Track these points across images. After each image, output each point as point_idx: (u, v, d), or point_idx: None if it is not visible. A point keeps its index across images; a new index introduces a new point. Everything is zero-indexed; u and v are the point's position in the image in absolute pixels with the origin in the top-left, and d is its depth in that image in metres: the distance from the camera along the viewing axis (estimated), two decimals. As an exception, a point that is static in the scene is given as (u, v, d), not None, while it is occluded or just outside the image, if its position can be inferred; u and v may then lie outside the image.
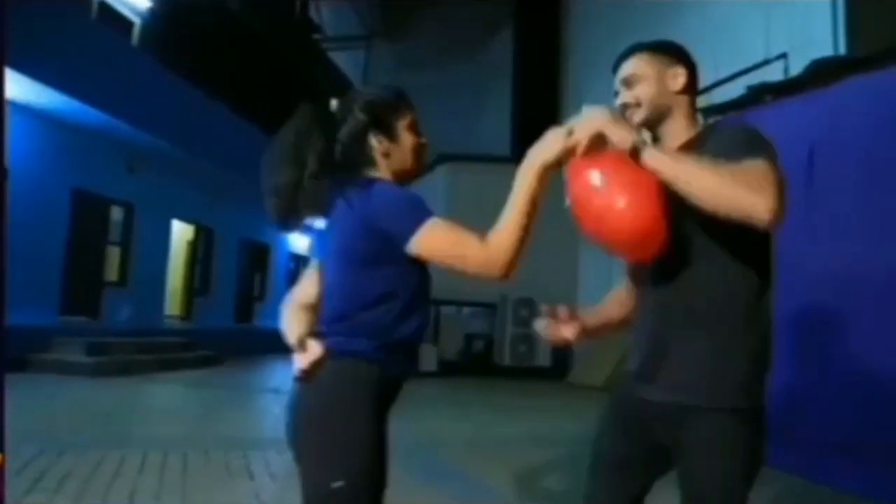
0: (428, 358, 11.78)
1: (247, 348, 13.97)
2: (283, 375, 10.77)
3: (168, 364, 9.46)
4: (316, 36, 17.01)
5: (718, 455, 1.38)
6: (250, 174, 9.38)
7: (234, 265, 15.17)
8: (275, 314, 8.64)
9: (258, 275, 16.36)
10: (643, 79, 1.57)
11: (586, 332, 1.70)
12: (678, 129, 1.57)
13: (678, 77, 1.57)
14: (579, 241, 13.25)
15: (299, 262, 17.32)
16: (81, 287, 9.91)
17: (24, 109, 8.84)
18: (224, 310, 14.52)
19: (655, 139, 1.59)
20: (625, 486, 1.55)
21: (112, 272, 10.92)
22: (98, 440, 4.72)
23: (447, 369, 11.82)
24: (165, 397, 7.98)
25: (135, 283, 11.31)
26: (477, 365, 12.19)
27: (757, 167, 1.31)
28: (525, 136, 15.54)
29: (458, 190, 13.27)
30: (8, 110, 8.11)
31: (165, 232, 12.44)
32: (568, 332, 1.65)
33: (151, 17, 11.40)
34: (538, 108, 14.52)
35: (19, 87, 8.23)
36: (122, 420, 5.87)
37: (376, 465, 1.44)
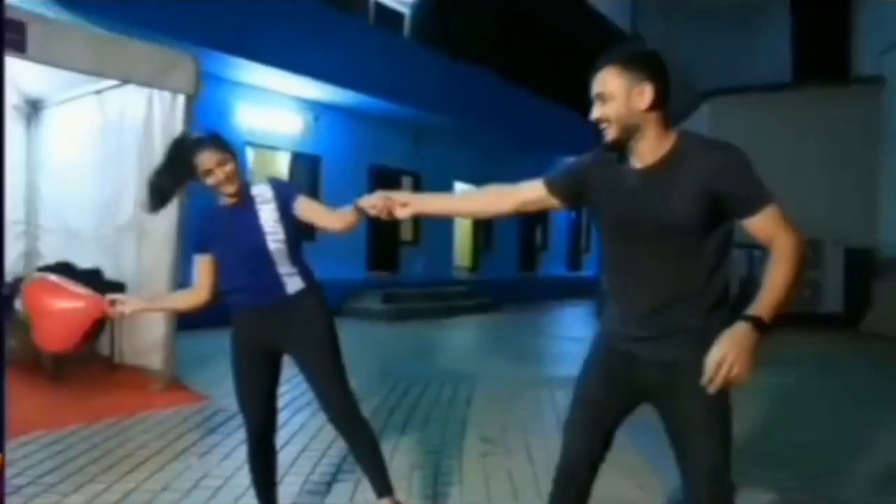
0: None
1: (527, 295, 15.21)
2: (556, 319, 11.66)
3: (451, 310, 11.03)
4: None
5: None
6: (523, 133, 10.70)
7: (516, 220, 16.41)
8: (557, 263, 10.05)
9: (540, 227, 17.40)
10: (610, 97, 1.70)
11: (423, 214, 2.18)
12: (650, 145, 1.70)
13: (644, 94, 1.65)
14: (879, 182, 11.68)
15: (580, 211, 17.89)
16: (382, 247, 11.93)
17: (329, 107, 10.90)
18: (508, 261, 15.88)
19: (627, 154, 1.76)
20: (601, 422, 1.90)
21: (407, 233, 12.86)
22: (412, 374, 5.96)
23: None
24: (451, 337, 9.36)
25: (426, 242, 13.15)
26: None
27: (774, 222, 1.61)
28: (810, 60, 13.97)
29: (725, 127, 12.53)
30: (309, 109, 10.16)
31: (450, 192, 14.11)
32: (400, 211, 2.03)
33: (418, 5, 12.79)
34: (823, 27, 12.88)
35: (324, 91, 10.21)
36: (426, 358, 7.21)
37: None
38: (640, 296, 1.77)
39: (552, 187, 1.96)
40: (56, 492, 2.96)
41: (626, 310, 1.82)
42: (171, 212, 4.93)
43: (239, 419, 4.20)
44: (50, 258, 6.12)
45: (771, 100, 12.80)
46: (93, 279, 5.44)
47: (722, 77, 14.21)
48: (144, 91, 4.97)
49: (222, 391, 4.83)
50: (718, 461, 1.74)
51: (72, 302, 2.20)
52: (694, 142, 1.72)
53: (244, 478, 3.21)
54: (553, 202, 1.97)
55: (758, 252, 12.11)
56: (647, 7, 18.66)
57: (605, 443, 1.93)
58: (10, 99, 6.24)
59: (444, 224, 13.57)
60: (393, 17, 12.55)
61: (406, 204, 2.03)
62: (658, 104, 1.67)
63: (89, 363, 5.40)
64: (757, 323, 1.55)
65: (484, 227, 15.47)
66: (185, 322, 6.98)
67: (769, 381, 6.56)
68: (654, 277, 1.74)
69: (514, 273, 16.04)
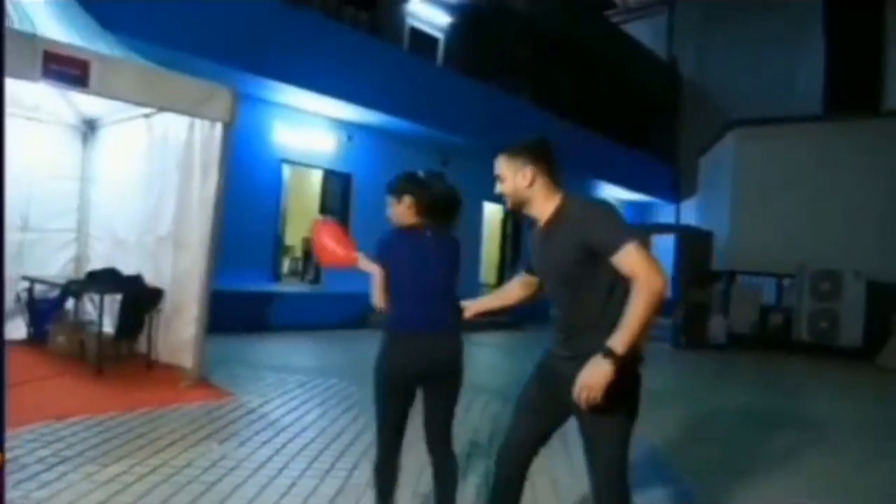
0: (716, 331, 11.81)
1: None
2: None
3: (476, 326, 11.41)
4: (610, 12, 17.43)
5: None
6: (557, 158, 10.89)
7: (543, 239, 16.74)
8: None
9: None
10: (503, 179, 2.22)
11: (482, 314, 2.54)
12: (539, 209, 2.17)
13: (526, 177, 2.16)
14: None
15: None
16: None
17: (362, 127, 11.47)
18: (532, 280, 16.23)
19: (524, 214, 2.26)
20: (536, 425, 2.30)
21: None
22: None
23: (738, 342, 11.67)
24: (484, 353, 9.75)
25: (452, 259, 13.58)
26: (772, 340, 11.73)
27: (632, 261, 1.93)
28: (843, 91, 14.09)
29: (748, 157, 12.73)
30: (342, 129, 10.73)
31: (478, 213, 14.54)
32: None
33: (452, 31, 13.33)
34: (856, 59, 13.01)
35: (357, 113, 10.79)
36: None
37: None
38: (560, 323, 2.21)
39: (528, 271, 2.48)
40: (97, 463, 3.47)
41: (554, 333, 2.26)
42: (204, 224, 5.52)
43: (256, 413, 4.72)
44: (97, 264, 6.73)
45: (799, 131, 12.99)
46: (135, 284, 6.04)
47: (754, 105, 14.45)
48: (186, 117, 5.55)
49: (243, 390, 5.36)
50: (613, 466, 2.13)
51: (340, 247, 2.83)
52: (573, 202, 2.15)
53: (256, 461, 3.71)
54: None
55: (787, 281, 12.28)
56: (683, 33, 18.95)
57: (541, 439, 2.33)
58: (69, 119, 6.94)
59: (469, 241, 14.02)
60: (427, 41, 13.12)
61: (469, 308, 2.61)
62: (538, 179, 2.16)
63: (129, 360, 5.96)
64: (610, 355, 1.92)
65: (512, 243, 15.87)
66: (214, 326, 7.61)
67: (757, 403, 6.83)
68: (565, 310, 2.18)
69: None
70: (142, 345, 6.02)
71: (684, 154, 18.18)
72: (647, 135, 18.29)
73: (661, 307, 1.98)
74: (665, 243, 12.90)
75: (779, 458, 4.69)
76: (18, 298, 6.64)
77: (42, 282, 6.48)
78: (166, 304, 5.93)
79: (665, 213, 18.91)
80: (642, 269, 1.94)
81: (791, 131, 12.63)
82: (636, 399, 2.17)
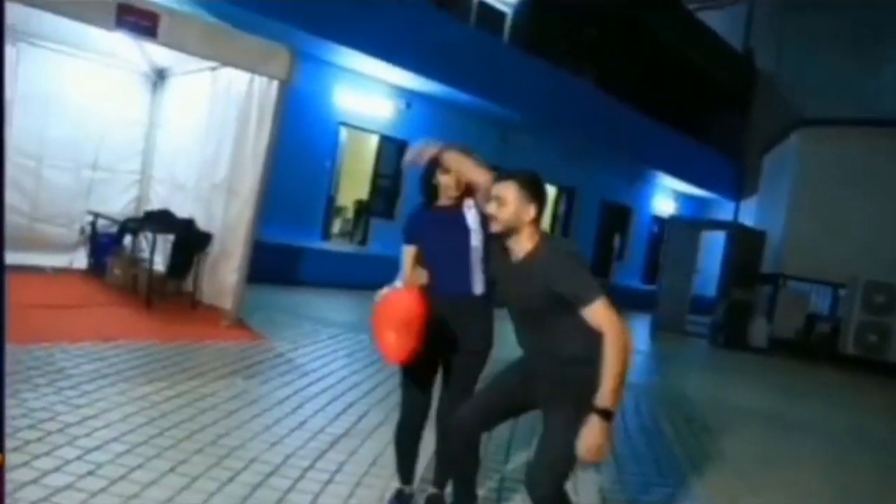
0: (758, 333, 11.63)
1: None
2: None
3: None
4: (687, -1, 16.96)
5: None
6: (614, 142, 11.08)
7: (595, 224, 16.69)
8: (633, 274, 10.60)
9: (619, 234, 17.57)
10: (507, 203, 2.22)
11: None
12: (523, 242, 2.24)
13: (530, 212, 2.22)
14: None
15: (663, 224, 17.86)
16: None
17: (421, 96, 11.64)
18: (580, 264, 16.18)
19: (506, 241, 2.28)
20: (502, 404, 2.44)
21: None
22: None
23: (779, 348, 11.46)
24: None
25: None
26: (817, 349, 11.47)
27: (598, 317, 2.08)
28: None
29: (811, 159, 12.33)
30: (401, 96, 10.93)
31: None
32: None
33: (520, 6, 13.28)
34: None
35: (417, 81, 10.96)
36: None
37: None
38: (527, 342, 2.39)
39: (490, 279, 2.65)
40: (132, 382, 3.83)
41: (526, 346, 2.44)
42: (256, 174, 5.82)
43: (284, 357, 5.04)
44: (157, 205, 7.17)
45: (871, 135, 12.52)
46: (187, 227, 6.42)
47: (828, 106, 13.93)
48: (247, 72, 5.84)
49: (277, 336, 5.68)
50: (558, 467, 2.23)
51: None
52: (549, 248, 2.25)
53: (275, 399, 4.00)
54: None
55: (843, 291, 11.94)
56: (762, 25, 18.29)
57: (498, 418, 2.49)
58: (142, 67, 7.34)
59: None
60: (495, 15, 13.12)
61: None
62: (536, 219, 2.25)
63: (176, 297, 6.37)
64: (602, 413, 2.07)
65: (562, 223, 15.88)
66: (260, 275, 7.99)
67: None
68: (529, 332, 2.35)
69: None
70: (189, 285, 6.44)
71: (751, 151, 17.66)
72: (713, 128, 17.86)
73: (630, 358, 2.13)
74: (715, 240, 12.71)
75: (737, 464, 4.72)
76: (83, 231, 7.14)
77: (104, 217, 6.94)
78: (214, 248, 6.30)
79: (724, 210, 18.50)
80: (610, 326, 2.09)
81: (861, 135, 12.17)
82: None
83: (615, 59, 15.19)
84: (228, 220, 6.20)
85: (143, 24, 4.75)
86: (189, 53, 5.36)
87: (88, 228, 7.11)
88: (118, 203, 7.49)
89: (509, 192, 2.23)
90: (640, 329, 12.05)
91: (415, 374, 2.69)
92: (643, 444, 4.43)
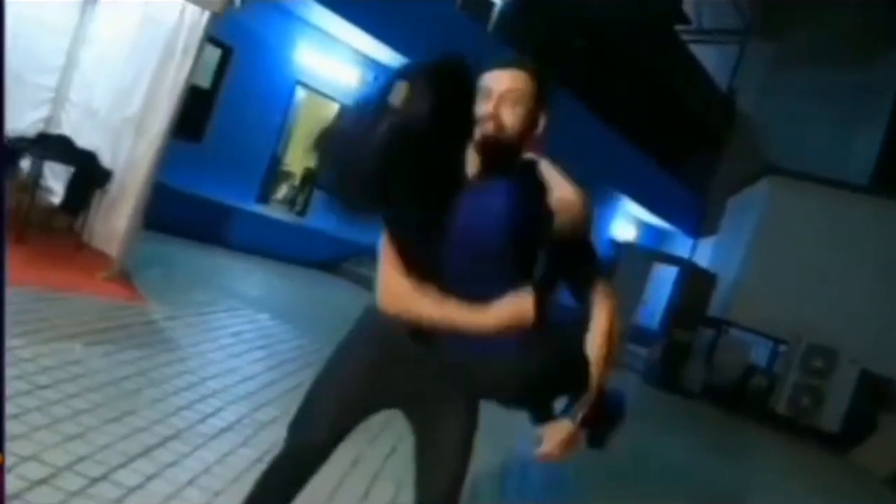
0: (693, 377, 11.30)
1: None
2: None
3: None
4: (681, 27, 16.60)
5: None
6: (585, 160, 10.36)
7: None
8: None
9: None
10: (518, 103, 1.59)
11: None
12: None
13: (541, 124, 1.63)
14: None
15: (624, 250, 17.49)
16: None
17: (362, 59, 10.95)
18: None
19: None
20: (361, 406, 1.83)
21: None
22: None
23: (713, 395, 11.14)
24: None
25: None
26: (748, 402, 11.19)
27: None
28: (892, 169, 13.33)
29: (776, 208, 12.08)
30: (368, 66, 10.22)
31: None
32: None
33: (510, 4, 12.69)
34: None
35: (388, 54, 10.26)
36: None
37: None
38: None
39: None
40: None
41: None
42: (169, 110, 5.10)
43: (152, 325, 4.34)
44: (68, 129, 6.35)
45: (840, 196, 12.34)
46: (87, 159, 5.65)
47: (800, 159, 13.73)
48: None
49: (160, 299, 4.96)
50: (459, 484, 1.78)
51: None
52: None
53: (109, 376, 3.30)
54: None
55: (782, 347, 11.69)
56: (750, 68, 18.05)
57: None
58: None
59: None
60: (483, 4, 12.50)
61: None
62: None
63: (63, 235, 5.60)
64: None
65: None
66: (178, 229, 7.17)
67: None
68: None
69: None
70: (79, 224, 5.68)
71: (717, 191, 17.46)
72: (683, 161, 17.57)
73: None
74: (665, 275, 12.36)
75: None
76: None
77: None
78: (113, 188, 5.55)
79: (681, 245, 18.26)
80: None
81: (829, 194, 11.96)
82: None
83: (599, 71, 14.73)
84: (134, 158, 5.45)
85: None
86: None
87: (-19, 143, 6.26)
88: (24, 120, 6.63)
89: (521, 84, 1.64)
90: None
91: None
92: None
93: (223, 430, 3.15)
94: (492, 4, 12.64)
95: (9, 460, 2.22)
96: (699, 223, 17.97)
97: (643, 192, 16.12)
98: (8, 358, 2.95)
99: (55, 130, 6.53)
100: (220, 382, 3.75)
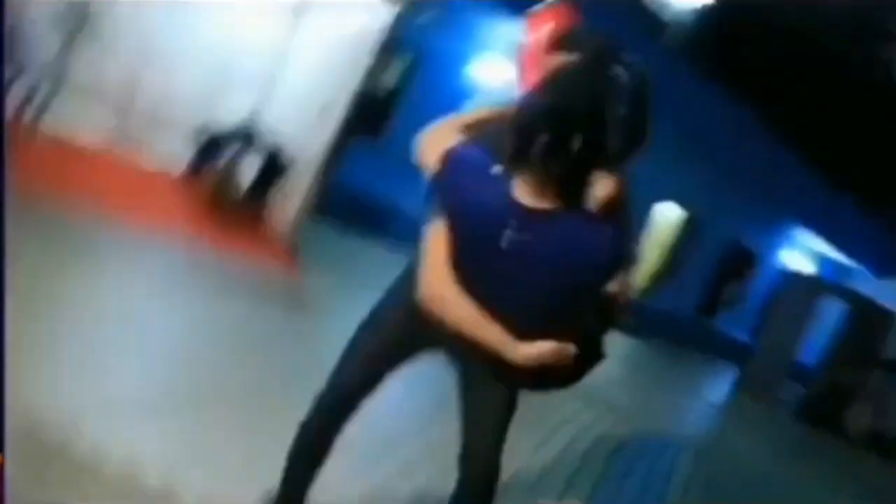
0: (859, 419, 10.38)
1: (698, 344, 14.38)
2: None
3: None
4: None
5: None
6: (759, 178, 9.94)
7: (713, 264, 15.60)
8: (743, 326, 9.63)
9: (735, 280, 16.35)
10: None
11: None
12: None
13: None
14: None
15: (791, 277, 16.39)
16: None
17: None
18: (686, 297, 15.19)
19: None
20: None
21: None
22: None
23: (881, 445, 10.12)
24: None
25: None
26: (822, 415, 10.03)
27: None
28: None
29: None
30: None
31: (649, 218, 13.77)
32: None
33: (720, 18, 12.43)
34: None
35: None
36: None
37: None
38: None
39: None
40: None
41: None
42: (347, 108, 5.75)
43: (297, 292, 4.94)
44: (270, 119, 7.22)
45: None
46: (274, 155, 6.53)
47: None
48: None
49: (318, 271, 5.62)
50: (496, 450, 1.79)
51: None
52: None
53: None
54: None
55: None
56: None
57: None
58: None
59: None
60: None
61: None
62: None
63: (248, 212, 6.51)
64: None
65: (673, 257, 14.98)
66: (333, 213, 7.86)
67: None
68: None
69: (689, 314, 15.39)
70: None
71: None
72: (877, 194, 16.07)
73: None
74: (835, 310, 11.44)
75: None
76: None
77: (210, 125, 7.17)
78: (293, 176, 6.38)
79: (862, 283, 16.69)
80: None
81: None
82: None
83: (791, 92, 13.95)
84: (315, 149, 6.20)
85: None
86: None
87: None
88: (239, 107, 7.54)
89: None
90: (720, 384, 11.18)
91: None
92: None
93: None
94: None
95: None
96: (885, 260, 16.35)
97: (824, 223, 15.06)
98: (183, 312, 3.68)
99: (259, 119, 7.49)
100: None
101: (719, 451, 6.05)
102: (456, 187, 1.52)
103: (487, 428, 1.72)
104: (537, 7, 1.63)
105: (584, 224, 1.48)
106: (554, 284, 1.46)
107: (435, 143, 1.61)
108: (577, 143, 1.36)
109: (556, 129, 1.37)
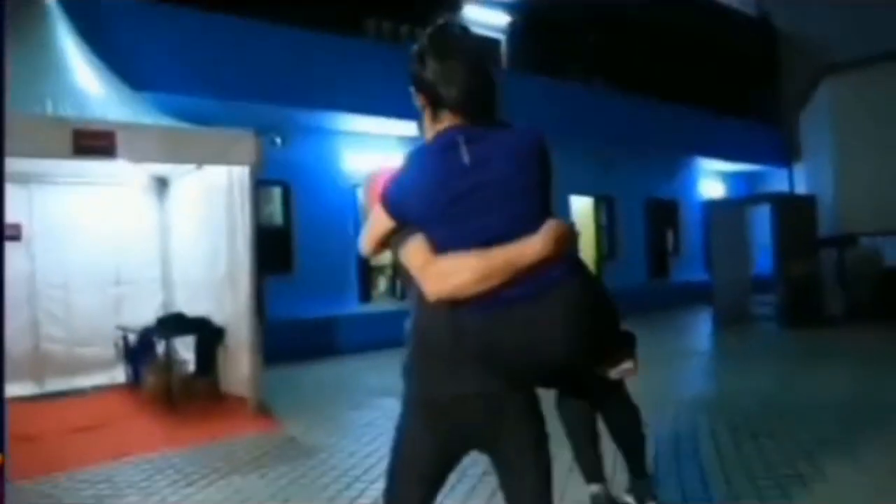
0: (832, 302, 10.84)
1: (657, 303, 14.72)
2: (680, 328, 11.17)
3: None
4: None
5: None
6: (642, 138, 10.86)
7: (642, 225, 16.13)
8: (693, 267, 10.20)
9: (671, 230, 16.91)
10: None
11: None
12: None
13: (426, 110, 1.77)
14: None
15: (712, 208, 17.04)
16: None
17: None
18: (635, 269, 15.61)
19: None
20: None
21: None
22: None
23: (856, 316, 10.56)
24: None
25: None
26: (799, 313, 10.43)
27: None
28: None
29: (845, 106, 11.53)
30: (410, 145, 10.96)
31: (565, 207, 14.23)
32: None
33: (513, 30, 13.20)
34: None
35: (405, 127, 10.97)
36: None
37: None
38: None
39: None
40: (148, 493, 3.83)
41: None
42: (249, 257, 5.83)
43: (292, 444, 4.96)
44: (183, 307, 7.32)
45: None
46: (202, 325, 6.53)
47: (857, 47, 13.05)
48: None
49: (296, 419, 5.61)
50: None
51: None
52: None
53: (263, 493, 3.89)
54: None
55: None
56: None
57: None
58: (142, 179, 7.59)
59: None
60: (489, 45, 13.09)
61: None
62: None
63: (204, 394, 6.43)
64: None
65: (606, 233, 15.45)
66: (299, 353, 7.96)
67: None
68: None
69: (643, 280, 15.77)
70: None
71: (790, 114, 16.81)
72: (745, 100, 17.12)
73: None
74: (763, 214, 12.00)
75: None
76: (116, 346, 7.36)
77: (128, 330, 7.12)
78: (230, 340, 6.37)
79: (778, 180, 17.56)
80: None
81: (893, 69, 11.32)
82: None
83: (625, 55, 14.87)
84: (237, 309, 6.25)
85: (101, 145, 4.90)
86: (153, 162, 5.52)
87: (121, 343, 7.32)
88: (147, 312, 7.64)
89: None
90: (703, 325, 11.47)
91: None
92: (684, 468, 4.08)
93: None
94: (497, 42, 13.18)
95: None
96: (783, 153, 17.31)
97: (715, 145, 15.84)
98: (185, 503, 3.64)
99: (172, 310, 7.55)
100: (360, 468, 4.28)
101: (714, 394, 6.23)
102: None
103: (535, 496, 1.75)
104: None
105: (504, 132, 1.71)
106: (508, 186, 1.62)
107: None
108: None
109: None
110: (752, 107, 17.08)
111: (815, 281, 10.71)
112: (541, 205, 1.66)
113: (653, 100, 14.56)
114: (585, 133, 13.07)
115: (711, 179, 17.88)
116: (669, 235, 16.85)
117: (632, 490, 3.15)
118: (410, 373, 1.78)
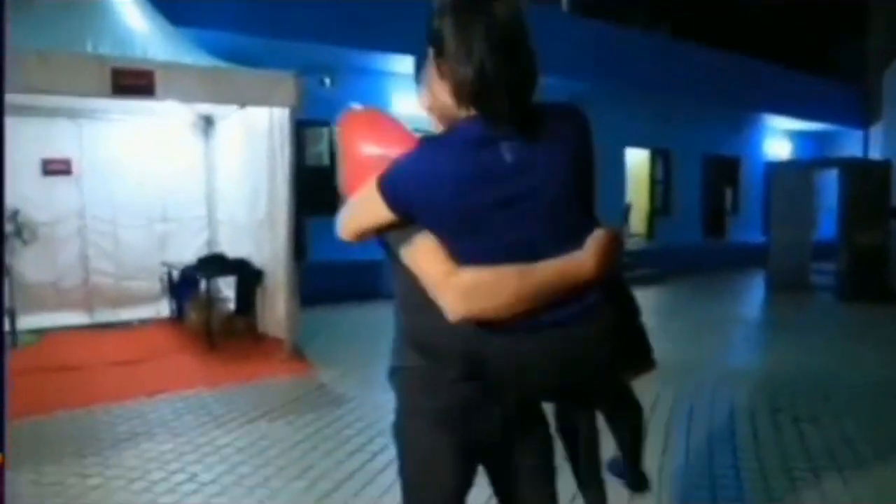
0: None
1: (713, 264, 14.25)
2: (733, 292, 10.87)
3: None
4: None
5: None
6: (705, 91, 10.43)
7: (699, 182, 15.53)
8: (751, 227, 9.97)
9: (730, 188, 16.25)
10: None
11: None
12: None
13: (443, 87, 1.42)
14: None
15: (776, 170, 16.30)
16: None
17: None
18: (689, 227, 15.13)
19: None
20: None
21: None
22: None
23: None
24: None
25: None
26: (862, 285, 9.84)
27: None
28: None
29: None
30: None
31: (620, 160, 13.78)
32: None
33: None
34: None
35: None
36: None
37: None
38: None
39: None
40: (156, 440, 3.92)
41: None
42: (287, 200, 5.78)
43: (321, 392, 4.98)
44: (225, 247, 7.41)
45: None
46: (240, 266, 6.58)
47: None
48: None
49: (330, 363, 5.65)
50: None
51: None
52: None
53: (287, 442, 3.91)
54: None
55: None
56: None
57: None
58: (188, 117, 7.59)
59: (611, 186, 13.30)
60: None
61: None
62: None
63: (246, 333, 6.54)
64: None
65: (661, 187, 14.96)
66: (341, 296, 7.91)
67: None
68: None
69: (698, 239, 15.28)
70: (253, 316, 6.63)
71: (873, 72, 15.70)
72: (823, 54, 16.07)
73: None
74: (831, 177, 11.34)
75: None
76: (161, 281, 7.53)
77: (173, 266, 7.24)
78: (269, 281, 6.41)
79: (851, 142, 16.57)
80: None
81: None
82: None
83: (693, 3, 14.06)
84: (276, 252, 6.25)
85: (140, 85, 4.86)
86: (191, 102, 5.45)
87: (166, 279, 7.48)
88: (191, 249, 7.78)
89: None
90: (756, 290, 11.05)
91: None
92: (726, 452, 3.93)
93: (389, 465, 3.62)
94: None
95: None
96: (861, 113, 16.25)
97: (784, 102, 15.00)
98: (208, 448, 3.69)
99: (216, 249, 7.66)
100: (384, 422, 4.25)
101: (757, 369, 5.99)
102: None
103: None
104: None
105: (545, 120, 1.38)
106: (557, 193, 1.35)
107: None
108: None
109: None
110: (830, 62, 16.01)
111: (882, 252, 10.11)
112: (586, 208, 1.40)
113: (719, 52, 13.78)
114: (644, 83, 12.50)
115: (778, 138, 17.01)
116: (728, 194, 16.21)
117: (612, 468, 2.90)
118: (405, 381, 1.59)
